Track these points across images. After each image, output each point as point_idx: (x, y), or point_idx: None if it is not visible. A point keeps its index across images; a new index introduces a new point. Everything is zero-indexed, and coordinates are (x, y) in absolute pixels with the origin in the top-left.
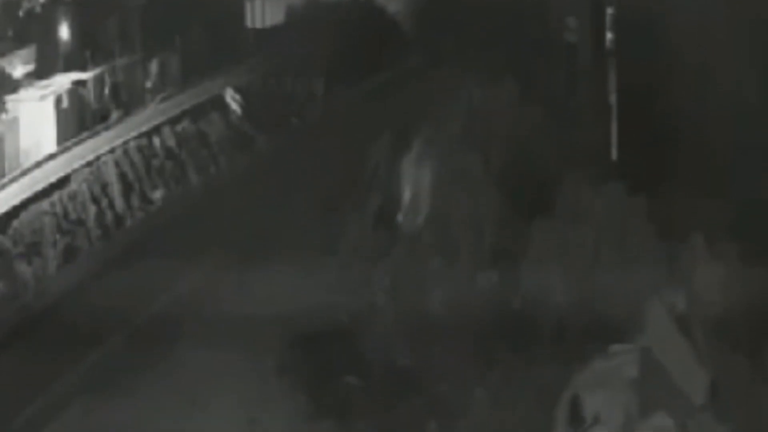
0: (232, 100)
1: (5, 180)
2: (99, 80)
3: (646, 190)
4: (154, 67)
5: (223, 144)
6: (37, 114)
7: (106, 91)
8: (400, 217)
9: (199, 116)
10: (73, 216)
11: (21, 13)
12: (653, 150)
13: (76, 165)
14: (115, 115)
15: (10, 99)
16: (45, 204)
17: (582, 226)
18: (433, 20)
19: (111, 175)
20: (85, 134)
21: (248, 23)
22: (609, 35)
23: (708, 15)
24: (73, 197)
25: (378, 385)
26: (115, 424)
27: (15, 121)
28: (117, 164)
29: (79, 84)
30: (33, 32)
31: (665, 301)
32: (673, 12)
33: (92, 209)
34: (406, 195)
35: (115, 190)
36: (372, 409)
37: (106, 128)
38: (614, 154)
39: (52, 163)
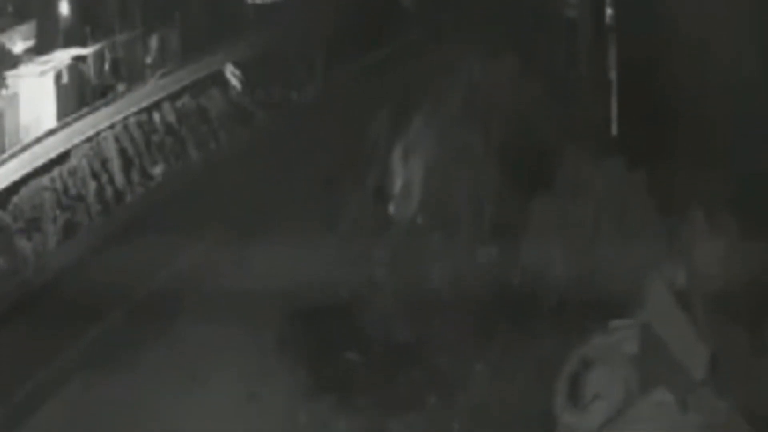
0: (232, 75)
1: (5, 156)
2: (99, 56)
3: (646, 165)
4: (154, 42)
5: (223, 119)
6: (37, 90)
7: (106, 66)
8: (391, 207)
9: (199, 92)
10: (73, 191)
11: None
12: (653, 125)
13: (76, 140)
14: (120, 88)
15: (10, 75)
16: (45, 179)
17: (582, 201)
18: None
19: (111, 150)
20: (85, 110)
21: None
22: (609, 11)
23: None
24: (73, 173)
25: (378, 360)
26: (115, 399)
27: (15, 96)
28: (117, 140)
29: (79, 60)
30: (33, 8)
31: (665, 275)
32: None
33: (92, 185)
34: (404, 172)
35: (115, 165)
36: (372, 384)
37: (106, 104)
38: (614, 129)
39: (52, 139)
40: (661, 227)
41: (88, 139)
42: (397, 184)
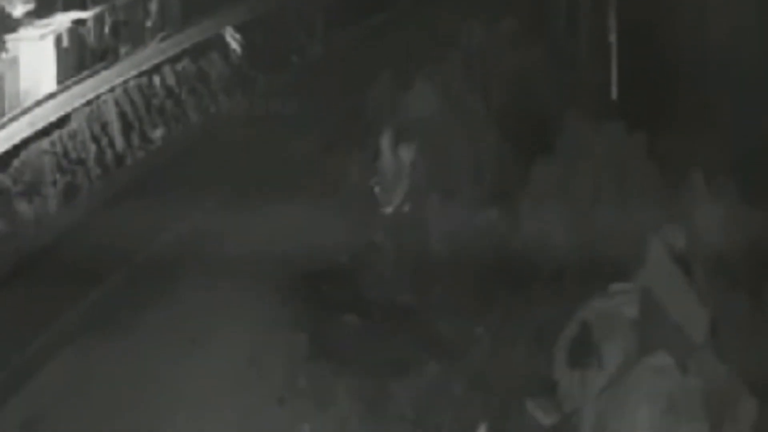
0: (232, 39)
1: (5, 119)
2: (99, 19)
3: (647, 129)
4: (154, 5)
5: (224, 83)
6: (37, 53)
7: (107, 30)
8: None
9: (199, 55)
10: (73, 155)
11: None
12: (653, 89)
13: (76, 104)
14: (120, 51)
15: (10, 38)
16: (45, 143)
17: (582, 166)
18: None
19: (111, 113)
20: (85, 73)
21: None
22: None
23: None
24: (73, 136)
25: (377, 324)
26: (115, 362)
27: (15, 60)
28: (117, 103)
29: (79, 23)
30: None
31: (665, 239)
32: None
33: (92, 148)
34: (403, 138)
35: (115, 128)
36: (371, 348)
37: (106, 67)
38: (614, 93)
39: (52, 102)
40: (661, 191)
41: (88, 103)
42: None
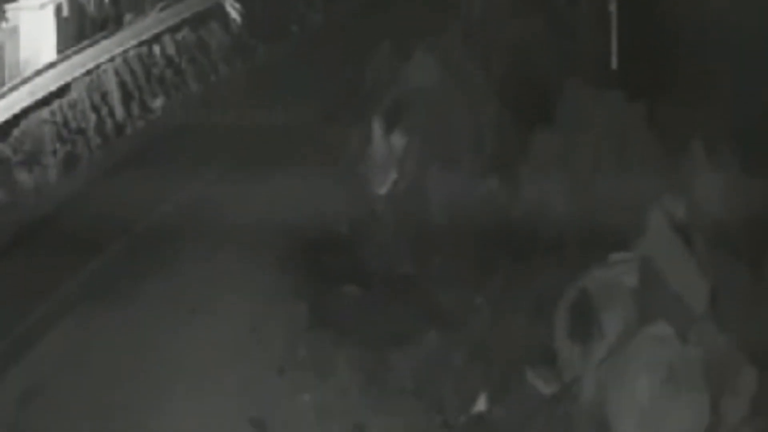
0: (232, 8)
1: (5, 88)
2: None
3: (647, 99)
4: None
5: (224, 52)
6: (37, 22)
7: None
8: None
9: (199, 24)
10: (73, 124)
11: None
12: (654, 58)
13: (76, 73)
14: (120, 21)
15: (10, 7)
16: (45, 112)
17: (582, 135)
18: None
19: (111, 83)
20: (85, 43)
21: None
22: None
23: None
24: (73, 105)
25: (377, 294)
26: (115, 331)
27: (15, 29)
28: (117, 72)
29: None
30: None
31: (665, 209)
32: None
33: (92, 117)
34: (397, 122)
35: (115, 98)
36: (371, 317)
37: (106, 37)
38: (614, 62)
39: (52, 72)
40: (661, 161)
41: (88, 72)
42: (379, 151)
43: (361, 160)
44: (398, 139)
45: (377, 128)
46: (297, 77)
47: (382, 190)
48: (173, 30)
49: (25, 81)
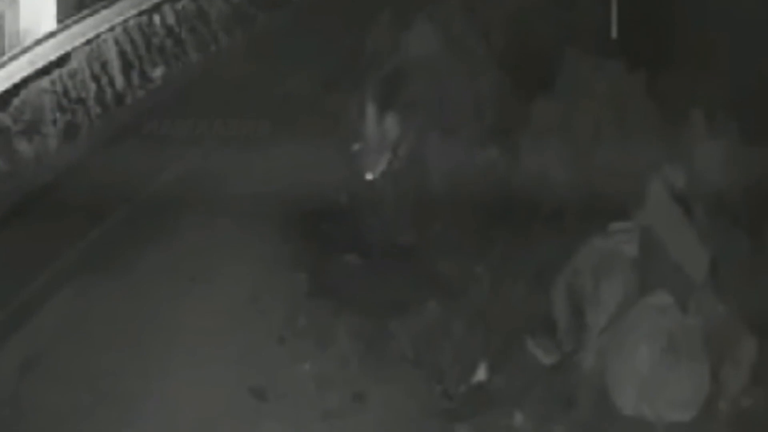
0: None
1: (5, 58)
2: None
3: (647, 68)
4: None
5: (223, 21)
6: None
7: None
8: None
9: None
10: (73, 94)
11: None
12: (653, 27)
13: (76, 43)
14: None
15: None
16: (45, 82)
17: (582, 104)
18: None
19: (111, 52)
20: (85, 12)
21: None
22: None
23: None
24: (73, 75)
25: (377, 264)
26: (114, 300)
27: None
28: (117, 42)
29: None
30: None
31: (665, 178)
32: None
33: (92, 87)
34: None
35: (115, 67)
36: (371, 287)
37: (106, 6)
38: (614, 31)
39: (52, 41)
40: (660, 130)
41: (88, 42)
42: (371, 137)
43: (360, 132)
44: (398, 109)
45: (371, 115)
46: (297, 46)
47: (378, 168)
48: None
49: (25, 50)
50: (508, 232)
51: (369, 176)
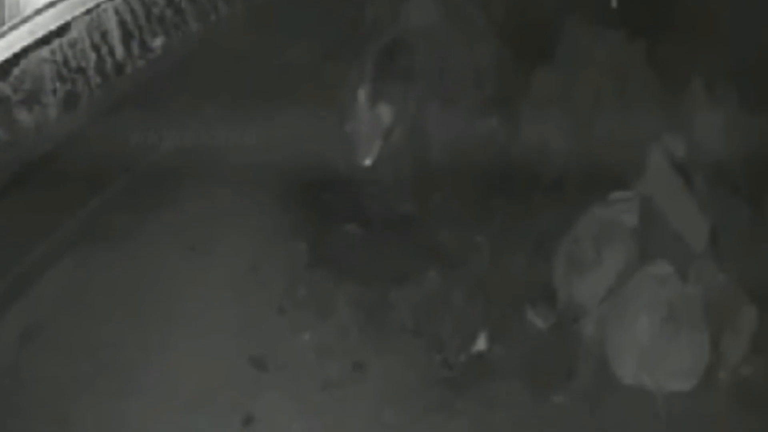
0: None
1: (5, 28)
2: None
3: (647, 37)
4: None
5: None
6: None
7: None
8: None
9: None
10: (73, 63)
11: None
12: None
13: (76, 12)
14: None
15: None
16: (45, 51)
17: (582, 73)
18: None
19: (111, 22)
20: None
21: None
22: None
23: None
24: (73, 45)
25: (377, 233)
26: (114, 270)
27: None
28: (117, 12)
29: None
30: None
31: (665, 147)
32: None
33: (92, 57)
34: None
35: (115, 37)
36: (371, 257)
37: None
38: (614, 1)
39: (51, 11)
40: (660, 99)
41: (88, 11)
42: (363, 123)
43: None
44: (397, 79)
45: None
46: (297, 16)
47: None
48: None
49: (24, 20)
50: (508, 201)
51: (367, 161)
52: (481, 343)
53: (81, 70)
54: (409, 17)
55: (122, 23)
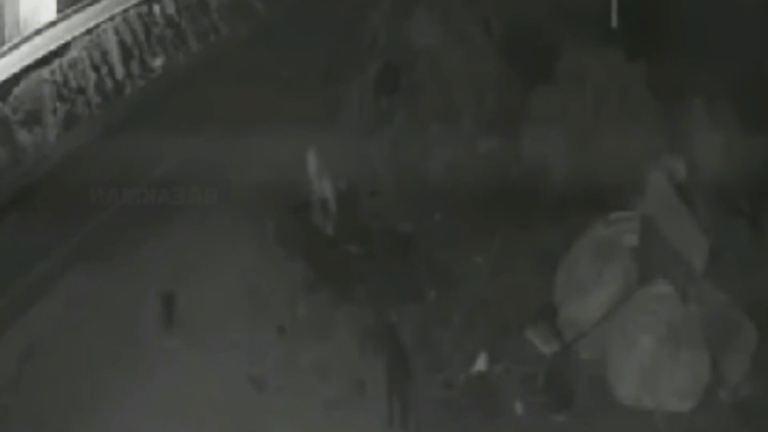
0: None
1: (5, 48)
2: None
3: (646, 57)
4: None
5: (223, 11)
6: None
7: None
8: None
9: None
10: (73, 84)
11: None
12: (653, 16)
13: (76, 32)
14: None
15: None
16: (45, 71)
17: (581, 93)
18: None
19: (111, 42)
20: (85, 1)
21: None
22: None
23: None
24: (73, 65)
25: (378, 253)
26: (112, 288)
27: None
28: (117, 32)
29: None
30: None
31: (665, 167)
32: None
33: (92, 77)
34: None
35: (115, 57)
36: (372, 276)
37: None
38: (614, 20)
39: (52, 31)
40: (660, 119)
41: (88, 31)
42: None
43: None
44: (398, 98)
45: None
46: (296, 35)
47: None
48: None
49: (25, 40)
50: (509, 221)
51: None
52: (481, 363)
53: (81, 90)
54: (410, 37)
55: (122, 43)
